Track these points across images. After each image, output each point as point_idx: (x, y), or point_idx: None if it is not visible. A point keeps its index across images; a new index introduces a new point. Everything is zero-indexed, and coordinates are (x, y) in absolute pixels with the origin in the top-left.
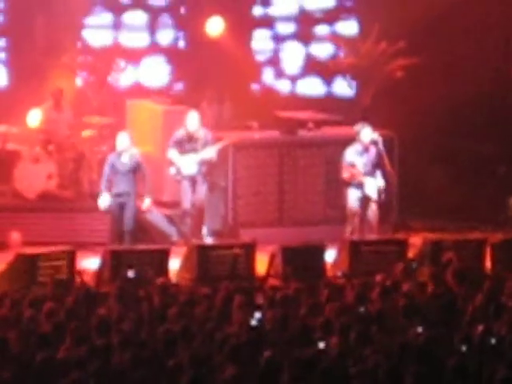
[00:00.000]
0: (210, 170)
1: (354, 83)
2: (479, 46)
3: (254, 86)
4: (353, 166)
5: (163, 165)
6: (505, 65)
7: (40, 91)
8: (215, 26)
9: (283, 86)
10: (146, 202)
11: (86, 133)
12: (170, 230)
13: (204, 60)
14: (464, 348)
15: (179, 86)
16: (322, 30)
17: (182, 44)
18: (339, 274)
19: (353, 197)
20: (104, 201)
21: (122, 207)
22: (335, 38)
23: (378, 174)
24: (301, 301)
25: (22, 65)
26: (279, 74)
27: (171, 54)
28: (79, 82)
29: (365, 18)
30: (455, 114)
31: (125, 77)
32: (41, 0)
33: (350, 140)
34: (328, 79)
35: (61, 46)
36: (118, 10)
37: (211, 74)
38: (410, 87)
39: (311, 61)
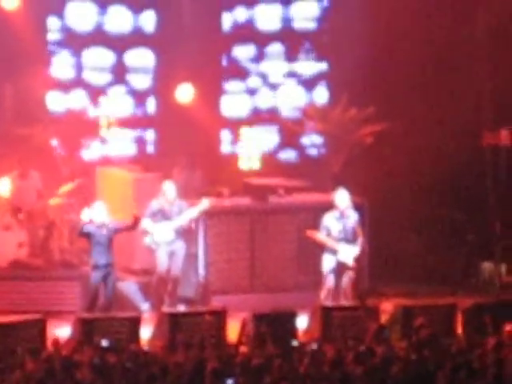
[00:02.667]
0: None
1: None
2: (449, 113)
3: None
4: (328, 231)
5: (134, 233)
6: (475, 132)
7: (10, 160)
8: (185, 93)
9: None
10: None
11: (56, 200)
12: (142, 299)
13: (174, 126)
14: None
15: (149, 153)
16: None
17: (152, 110)
18: (314, 344)
19: (328, 262)
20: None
21: (105, 277)
22: (305, 107)
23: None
24: (274, 367)
25: None
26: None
27: (142, 120)
28: (50, 150)
29: (334, 85)
30: (425, 181)
31: (95, 145)
32: (8, 69)
33: (321, 206)
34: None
35: (30, 115)
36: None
37: (181, 141)
38: (380, 153)
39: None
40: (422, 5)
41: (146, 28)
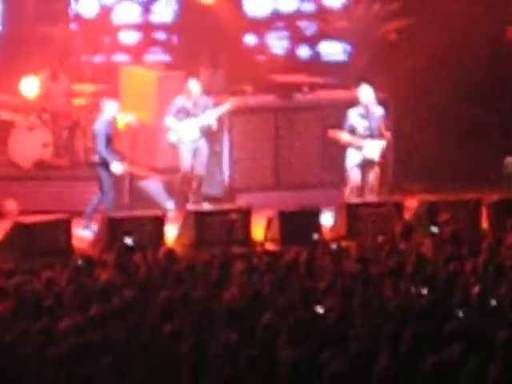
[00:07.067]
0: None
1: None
2: (474, 6)
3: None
4: (353, 128)
5: (157, 131)
6: (501, 26)
7: (33, 60)
8: None
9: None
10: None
11: (80, 101)
12: (166, 197)
13: (197, 26)
14: (463, 310)
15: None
16: None
17: (174, 11)
18: (339, 241)
19: (352, 158)
20: (118, 167)
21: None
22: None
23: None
24: (299, 265)
25: (13, 33)
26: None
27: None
28: (72, 49)
29: None
30: (450, 77)
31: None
32: None
33: (346, 103)
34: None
35: (52, 13)
36: None
37: (204, 40)
38: (404, 49)
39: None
40: None
41: None
